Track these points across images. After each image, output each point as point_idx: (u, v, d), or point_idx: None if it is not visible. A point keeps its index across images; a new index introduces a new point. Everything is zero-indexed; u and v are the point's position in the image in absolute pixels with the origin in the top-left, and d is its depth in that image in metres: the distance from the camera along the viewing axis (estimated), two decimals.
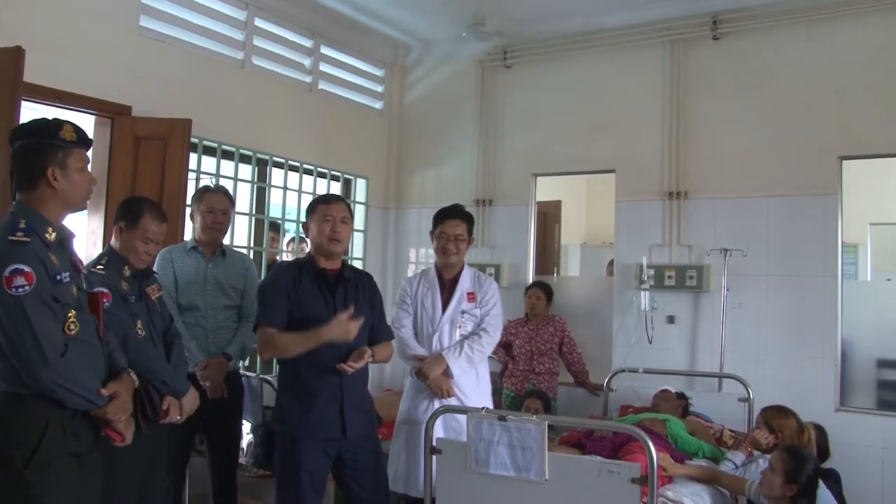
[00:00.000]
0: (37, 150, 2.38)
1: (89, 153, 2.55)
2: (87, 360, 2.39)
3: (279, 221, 5.72)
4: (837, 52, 4.90)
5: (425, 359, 3.62)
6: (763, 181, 5.06)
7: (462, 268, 3.82)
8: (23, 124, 2.49)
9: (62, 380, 2.26)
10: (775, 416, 3.83)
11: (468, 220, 3.78)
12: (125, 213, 3.05)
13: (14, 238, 2.25)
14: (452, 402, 3.58)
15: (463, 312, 3.73)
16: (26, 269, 2.23)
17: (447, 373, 3.59)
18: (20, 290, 2.21)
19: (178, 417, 2.94)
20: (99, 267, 2.95)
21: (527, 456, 2.90)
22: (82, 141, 2.46)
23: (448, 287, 3.79)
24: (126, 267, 3.00)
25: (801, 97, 4.98)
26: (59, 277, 2.33)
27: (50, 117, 2.46)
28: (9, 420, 2.28)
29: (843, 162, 4.87)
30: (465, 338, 3.69)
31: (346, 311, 3.06)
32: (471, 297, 3.75)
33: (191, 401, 3.01)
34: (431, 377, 3.56)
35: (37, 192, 2.37)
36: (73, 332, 2.36)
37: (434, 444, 3.18)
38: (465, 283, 3.79)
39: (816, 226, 4.88)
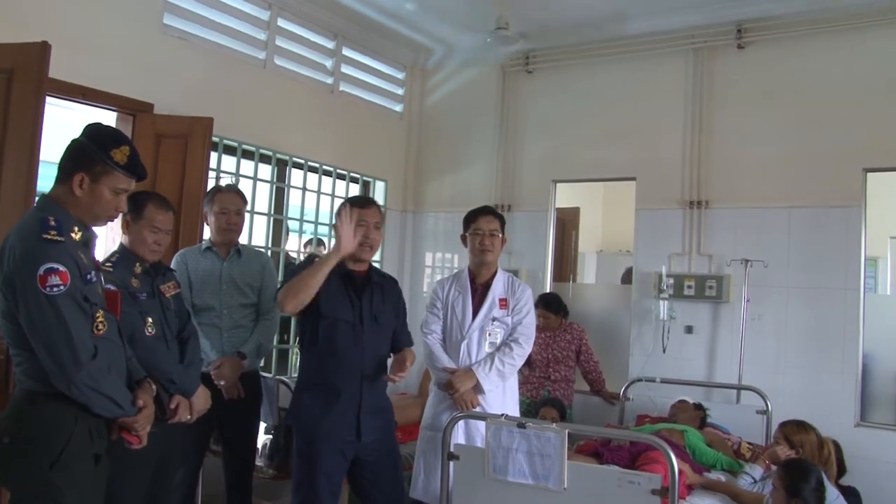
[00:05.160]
0: (82, 151, 2.36)
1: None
2: (112, 361, 2.38)
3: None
4: (863, 62, 4.84)
5: (456, 372, 3.54)
6: (786, 192, 5.00)
7: (496, 271, 3.74)
8: (96, 124, 2.47)
9: (94, 383, 2.25)
10: (795, 430, 3.76)
11: (500, 218, 3.73)
12: (130, 206, 3.01)
13: (48, 237, 2.22)
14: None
15: (494, 320, 3.63)
16: (61, 268, 2.21)
17: (478, 388, 3.51)
18: (55, 289, 2.19)
19: (189, 417, 2.92)
20: (108, 264, 2.92)
21: (546, 464, 2.87)
22: (129, 169, 2.41)
23: (480, 292, 3.70)
24: (137, 263, 2.99)
25: (826, 108, 4.92)
26: (89, 277, 2.32)
27: (116, 130, 2.48)
28: (37, 419, 2.27)
29: (868, 174, 4.80)
30: (495, 349, 3.59)
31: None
32: (503, 303, 3.66)
33: (201, 400, 2.99)
34: (461, 391, 3.48)
35: (63, 189, 2.36)
36: (101, 331, 2.35)
37: (452, 450, 3.14)
38: (497, 288, 3.69)
39: (839, 238, 4.81)
